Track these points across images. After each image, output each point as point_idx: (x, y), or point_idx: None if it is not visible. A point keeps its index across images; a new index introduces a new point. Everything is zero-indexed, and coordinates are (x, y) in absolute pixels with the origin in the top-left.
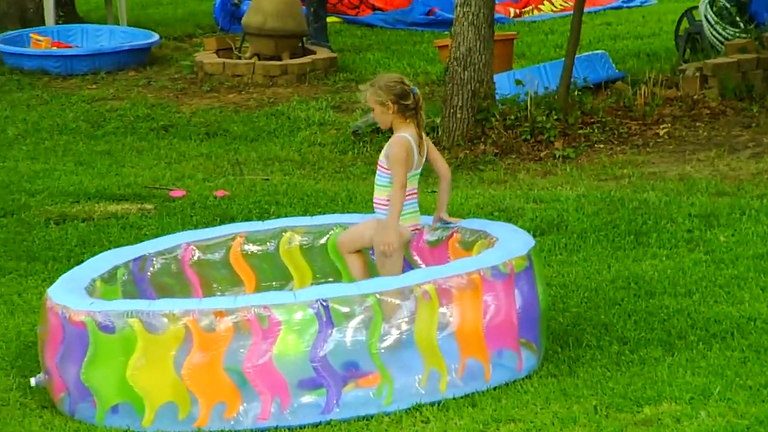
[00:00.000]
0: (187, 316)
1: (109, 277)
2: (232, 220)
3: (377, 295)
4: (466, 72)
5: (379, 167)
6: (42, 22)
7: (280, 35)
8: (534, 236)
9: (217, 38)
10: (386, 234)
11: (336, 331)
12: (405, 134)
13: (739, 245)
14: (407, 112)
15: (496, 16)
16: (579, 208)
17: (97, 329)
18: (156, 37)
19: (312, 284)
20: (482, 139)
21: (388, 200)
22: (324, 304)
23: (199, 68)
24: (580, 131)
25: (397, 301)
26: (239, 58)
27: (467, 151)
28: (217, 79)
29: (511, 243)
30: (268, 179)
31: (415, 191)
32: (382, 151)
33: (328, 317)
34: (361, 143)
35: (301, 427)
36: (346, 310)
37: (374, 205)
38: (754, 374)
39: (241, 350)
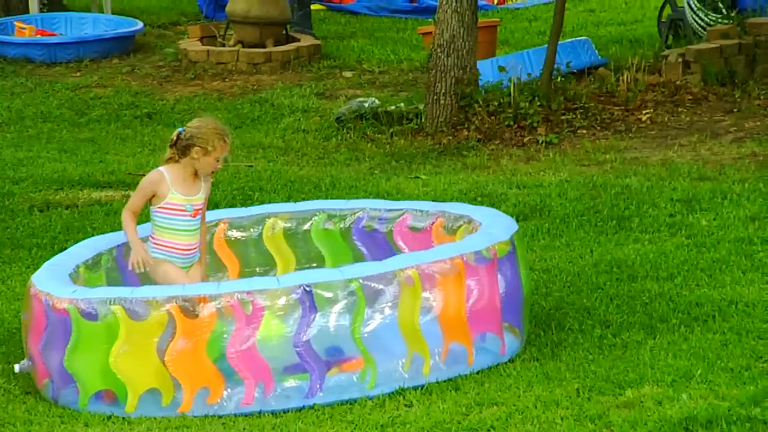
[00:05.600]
0: (170, 303)
1: (93, 264)
2: (216, 206)
3: (360, 280)
4: (449, 59)
5: (201, 211)
6: (26, 10)
7: (264, 23)
8: (517, 221)
9: (201, 26)
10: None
11: (319, 316)
12: None
13: (721, 229)
14: None
15: (480, 2)
16: (562, 194)
17: (80, 316)
18: (140, 24)
19: (295, 270)
20: (465, 125)
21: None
22: (307, 289)
23: (183, 56)
24: (563, 117)
25: (381, 286)
26: (223, 45)
27: (450, 137)
28: (201, 67)
29: (494, 228)
30: (251, 166)
31: None
32: (206, 195)
33: (311, 302)
34: (344, 130)
35: (284, 412)
36: (329, 295)
37: (196, 251)
38: (735, 357)
39: (225, 336)
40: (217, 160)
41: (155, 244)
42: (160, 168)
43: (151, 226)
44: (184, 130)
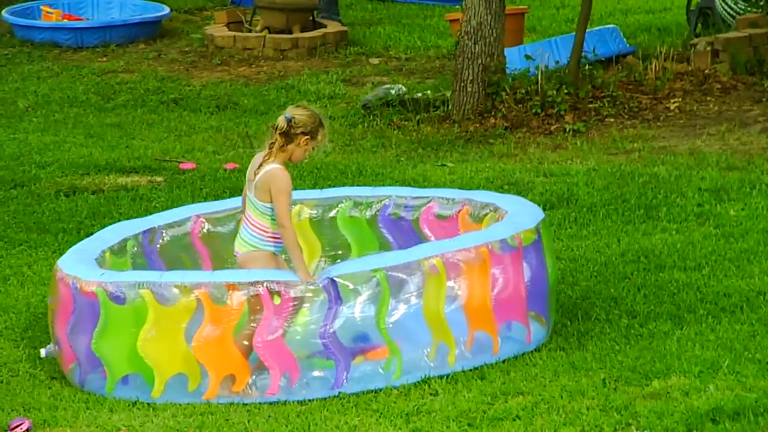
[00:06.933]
0: (199, 289)
1: (119, 249)
2: (242, 192)
3: (385, 270)
4: (476, 46)
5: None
6: None
7: (290, 9)
8: (544, 210)
9: (227, 11)
10: None
11: (345, 308)
12: None
13: (749, 219)
14: None
15: None
16: (589, 182)
17: (109, 300)
18: (166, 9)
19: (321, 257)
20: (493, 113)
21: None
22: (333, 280)
23: (210, 41)
24: (591, 105)
25: (405, 276)
26: (250, 31)
27: (477, 125)
28: (227, 53)
29: (520, 216)
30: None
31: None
32: None
33: (336, 294)
34: (371, 116)
35: (310, 401)
36: (354, 286)
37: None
38: (762, 348)
39: (252, 324)
40: (314, 149)
41: (269, 238)
42: (277, 165)
43: (261, 221)
44: (291, 118)
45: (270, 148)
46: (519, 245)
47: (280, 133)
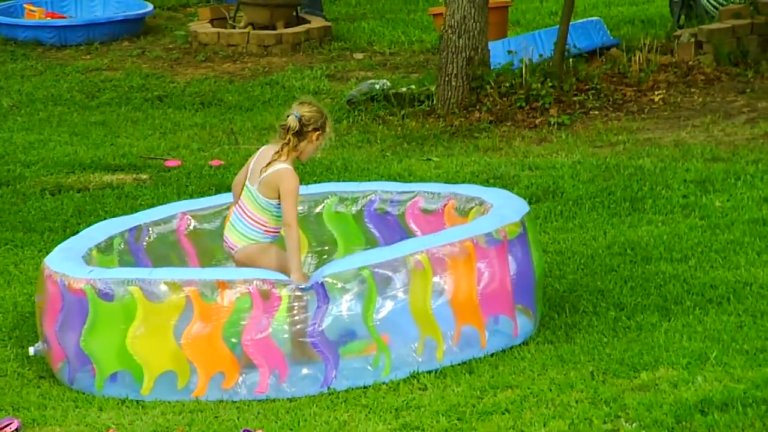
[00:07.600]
0: (189, 286)
1: (106, 247)
2: (228, 189)
3: (371, 268)
4: (460, 40)
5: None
6: None
7: (274, 4)
8: (529, 203)
9: (211, 8)
10: None
11: (332, 306)
12: None
13: (735, 210)
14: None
15: None
16: (574, 175)
17: (97, 297)
18: (150, 6)
19: (308, 252)
20: (477, 107)
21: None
22: (320, 280)
23: (194, 38)
24: (575, 98)
25: (391, 273)
26: (234, 27)
27: (462, 119)
28: (211, 49)
29: (505, 210)
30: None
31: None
32: None
33: (324, 293)
34: (355, 112)
35: (299, 397)
36: (341, 284)
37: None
38: (750, 339)
39: (242, 322)
40: (322, 142)
41: (267, 231)
42: (288, 165)
43: (261, 216)
44: (301, 116)
45: (281, 148)
46: (504, 239)
47: (293, 134)
